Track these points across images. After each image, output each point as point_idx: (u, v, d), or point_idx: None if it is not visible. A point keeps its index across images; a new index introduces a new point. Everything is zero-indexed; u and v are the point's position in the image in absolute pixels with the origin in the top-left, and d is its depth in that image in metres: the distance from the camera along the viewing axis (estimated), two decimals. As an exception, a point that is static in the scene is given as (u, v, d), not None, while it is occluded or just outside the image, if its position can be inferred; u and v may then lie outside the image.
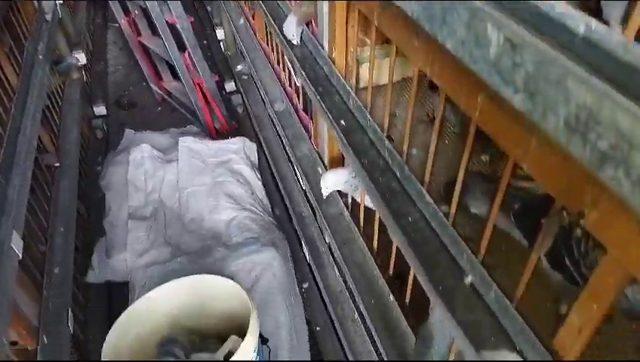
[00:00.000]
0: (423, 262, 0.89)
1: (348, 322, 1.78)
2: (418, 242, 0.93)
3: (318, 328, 2.09)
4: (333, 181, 1.45)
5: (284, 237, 2.27)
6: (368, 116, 1.16)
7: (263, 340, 1.65)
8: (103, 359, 1.40)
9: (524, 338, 0.74)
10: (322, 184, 1.45)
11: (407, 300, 1.27)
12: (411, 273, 1.15)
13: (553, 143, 0.46)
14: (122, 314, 1.54)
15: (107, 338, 1.46)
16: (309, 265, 2.19)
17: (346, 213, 1.56)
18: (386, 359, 1.34)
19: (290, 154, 1.86)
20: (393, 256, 1.30)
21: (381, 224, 1.38)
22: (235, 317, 1.68)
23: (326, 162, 1.62)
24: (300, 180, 1.91)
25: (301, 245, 2.26)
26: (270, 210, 2.42)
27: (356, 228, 1.47)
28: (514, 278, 0.77)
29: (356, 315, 1.69)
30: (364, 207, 1.45)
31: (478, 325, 0.80)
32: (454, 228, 0.87)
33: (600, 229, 0.54)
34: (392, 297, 1.29)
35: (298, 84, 1.86)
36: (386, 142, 1.08)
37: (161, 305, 1.64)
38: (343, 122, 1.24)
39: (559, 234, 0.78)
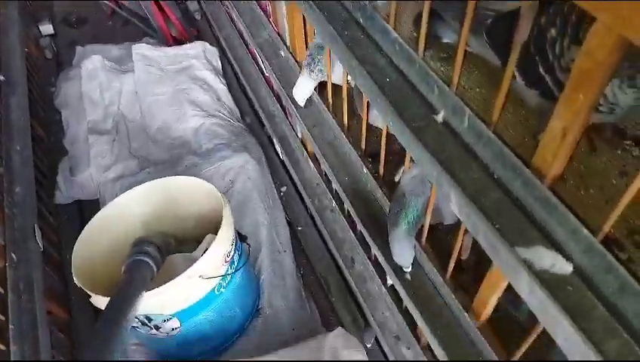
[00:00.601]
0: (393, 105, 0.81)
1: (326, 212, 1.74)
2: (386, 87, 0.84)
3: (300, 228, 2.06)
4: (302, 89, 1.36)
5: (257, 142, 2.18)
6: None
7: (241, 237, 1.61)
8: (73, 261, 1.34)
9: (503, 162, 0.68)
10: (297, 98, 1.36)
11: (381, 171, 1.21)
12: (384, 132, 1.08)
13: None
14: (92, 219, 1.47)
15: (77, 242, 1.39)
16: (282, 163, 2.13)
17: (315, 97, 1.47)
18: (365, 235, 1.31)
19: (249, 43, 1.73)
20: (364, 131, 1.23)
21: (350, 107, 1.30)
22: (211, 218, 1.62)
23: (288, 43, 1.50)
24: (264, 68, 1.79)
25: (274, 146, 2.19)
26: (239, 115, 2.30)
27: (325, 107, 1.39)
28: (489, 104, 0.70)
29: (334, 204, 1.65)
30: (332, 84, 1.35)
31: (450, 160, 0.74)
32: (424, 61, 0.78)
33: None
34: (365, 170, 1.23)
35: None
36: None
37: (133, 208, 1.56)
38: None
39: (532, 39, 0.70)
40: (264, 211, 1.93)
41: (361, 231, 1.41)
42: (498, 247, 0.63)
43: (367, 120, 1.18)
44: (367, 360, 1.33)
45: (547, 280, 0.60)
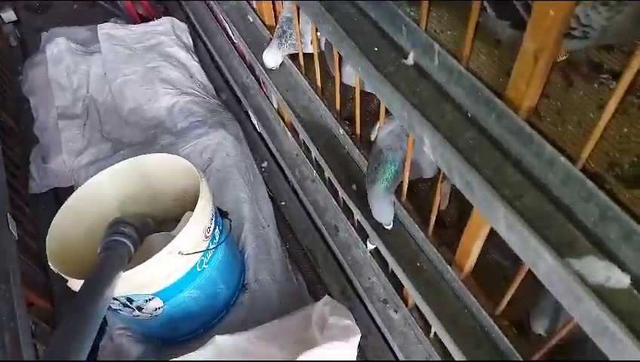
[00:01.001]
0: (361, 50, 0.77)
1: (307, 183, 1.71)
2: (354, 33, 0.80)
3: (283, 203, 2.03)
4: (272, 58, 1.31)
5: (233, 118, 2.13)
6: None
7: (222, 213, 1.57)
8: (48, 246, 1.29)
9: (476, 98, 0.65)
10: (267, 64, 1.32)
11: (358, 132, 1.18)
12: (357, 88, 1.04)
13: None
14: (66, 201, 1.42)
15: (51, 226, 1.34)
16: (262, 138, 2.08)
17: (286, 61, 1.42)
18: (346, 201, 1.28)
19: (217, 12, 1.66)
20: (337, 91, 1.19)
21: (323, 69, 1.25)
22: (190, 196, 1.57)
23: (254, 5, 1.44)
24: (233, 36, 1.73)
25: (252, 121, 2.14)
26: (214, 92, 2.24)
27: (298, 71, 1.34)
28: (461, 45, 0.66)
29: (315, 173, 1.61)
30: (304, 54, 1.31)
31: (423, 103, 0.70)
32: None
33: None
34: (341, 131, 1.19)
35: None
36: None
37: (108, 189, 1.51)
38: None
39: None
40: (245, 187, 1.89)
41: (343, 199, 1.38)
42: (474, 185, 0.60)
43: (341, 79, 1.14)
44: (355, 325, 1.32)
45: (527, 215, 0.57)
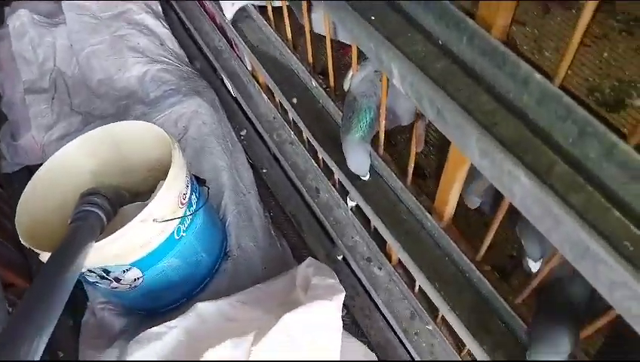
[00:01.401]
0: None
1: (286, 146, 1.67)
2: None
3: (264, 170, 1.98)
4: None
5: (209, 85, 2.06)
6: None
7: (199, 181, 1.52)
8: (17, 219, 1.24)
9: (447, 22, 0.60)
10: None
11: (332, 83, 1.13)
12: (327, 37, 0.99)
13: None
14: (36, 173, 1.37)
15: (21, 198, 1.29)
16: (240, 105, 2.02)
17: (256, 16, 1.35)
18: (325, 160, 1.24)
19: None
20: (309, 41, 1.13)
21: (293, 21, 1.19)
22: (165, 167, 1.52)
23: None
24: None
25: (227, 87, 2.07)
26: (187, 60, 2.17)
27: (267, 24, 1.28)
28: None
29: (293, 135, 1.57)
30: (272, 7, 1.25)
31: (392, 35, 0.66)
32: None
33: None
34: (314, 83, 1.15)
35: None
36: None
37: (79, 159, 1.45)
38: None
39: None
40: (223, 154, 1.84)
41: (322, 159, 1.34)
42: (445, 113, 0.57)
43: (311, 27, 1.08)
44: (339, 283, 1.29)
45: (502, 141, 0.54)
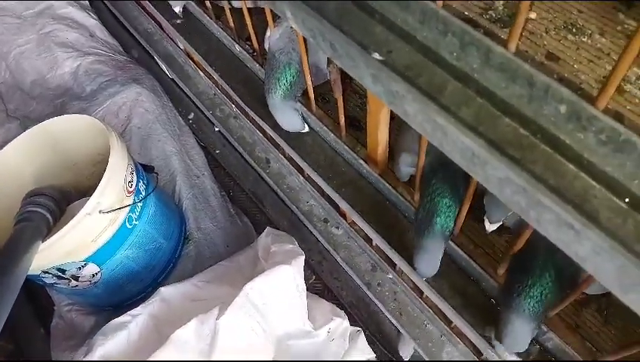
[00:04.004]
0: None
1: (230, 121, 1.65)
2: None
3: (217, 151, 1.96)
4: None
5: (147, 72, 2.01)
6: None
7: (146, 168, 1.50)
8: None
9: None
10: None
11: (256, 46, 1.11)
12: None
13: None
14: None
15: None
16: (182, 90, 1.98)
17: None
18: (266, 127, 1.22)
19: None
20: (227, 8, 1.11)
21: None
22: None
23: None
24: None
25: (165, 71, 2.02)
26: (121, 49, 2.10)
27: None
28: None
29: (234, 108, 1.55)
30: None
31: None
32: None
33: None
34: (238, 48, 1.13)
35: None
36: None
37: (19, 162, 1.41)
38: None
39: None
40: (171, 140, 1.81)
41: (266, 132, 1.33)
42: (337, 46, 0.56)
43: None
44: (298, 247, 1.31)
45: (396, 68, 0.54)
